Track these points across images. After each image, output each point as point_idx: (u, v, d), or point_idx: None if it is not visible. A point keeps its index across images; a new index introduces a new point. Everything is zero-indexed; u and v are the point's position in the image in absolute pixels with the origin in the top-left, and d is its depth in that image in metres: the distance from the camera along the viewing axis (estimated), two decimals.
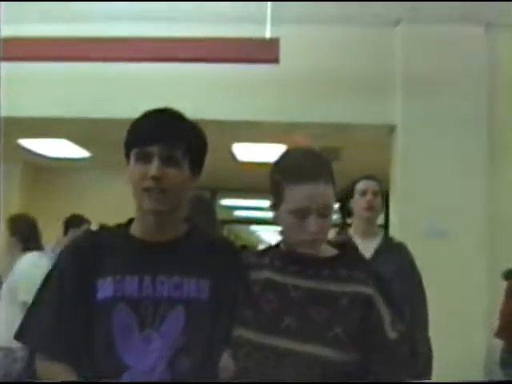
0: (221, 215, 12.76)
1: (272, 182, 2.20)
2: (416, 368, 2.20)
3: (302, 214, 2.10)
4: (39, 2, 6.02)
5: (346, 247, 2.30)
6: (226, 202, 13.26)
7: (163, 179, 2.04)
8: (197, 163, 2.18)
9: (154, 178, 2.02)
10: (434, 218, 5.99)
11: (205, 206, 4.10)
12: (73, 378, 2.02)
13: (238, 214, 14.82)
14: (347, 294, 2.10)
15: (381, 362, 2.08)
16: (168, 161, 2.05)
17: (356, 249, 2.34)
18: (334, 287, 2.12)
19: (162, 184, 2.04)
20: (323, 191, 2.10)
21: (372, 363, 2.07)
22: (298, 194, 2.10)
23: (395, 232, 6.30)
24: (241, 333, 2.10)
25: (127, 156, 2.13)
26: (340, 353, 2.02)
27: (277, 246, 2.32)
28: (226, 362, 2.08)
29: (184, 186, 2.12)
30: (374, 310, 2.10)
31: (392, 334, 2.10)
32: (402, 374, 2.14)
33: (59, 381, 2.04)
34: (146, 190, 2.04)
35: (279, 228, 2.22)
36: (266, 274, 2.19)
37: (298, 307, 2.10)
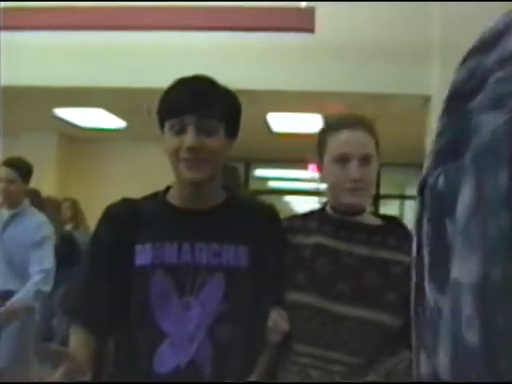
0: (254, 186, 12.79)
1: (318, 140, 2.25)
2: None
3: (343, 160, 2.14)
4: None
5: (392, 219, 2.32)
6: (260, 172, 13.26)
7: (200, 149, 2.00)
8: (232, 128, 2.14)
9: (190, 148, 1.99)
10: None
11: (232, 176, 4.07)
12: (86, 346, 2.01)
13: (272, 184, 14.80)
14: (400, 262, 2.12)
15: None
16: (203, 130, 2.01)
17: (402, 222, 2.35)
18: (386, 255, 2.15)
19: (198, 154, 2.00)
20: (363, 139, 2.16)
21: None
22: (338, 140, 2.17)
23: None
24: (297, 297, 2.11)
25: (161, 126, 2.10)
26: (394, 318, 2.05)
27: (322, 210, 2.32)
28: (277, 322, 2.07)
29: (221, 154, 2.09)
30: None
31: None
32: None
33: (75, 345, 2.03)
34: (184, 160, 2.01)
35: (324, 186, 2.24)
36: (316, 238, 2.20)
37: (351, 273, 2.12)
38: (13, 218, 4.94)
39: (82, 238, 7.52)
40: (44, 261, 4.78)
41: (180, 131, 2.02)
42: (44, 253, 4.84)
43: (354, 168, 2.12)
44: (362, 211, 2.22)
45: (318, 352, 2.05)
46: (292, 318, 2.09)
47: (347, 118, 2.25)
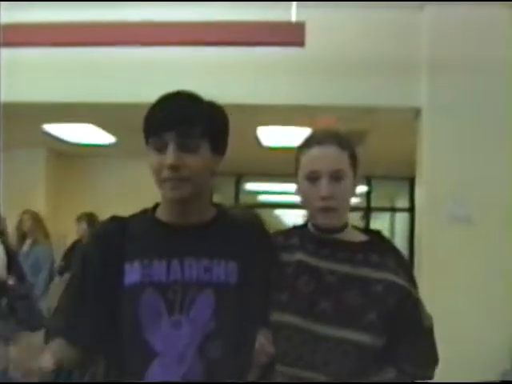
0: (245, 199, 12.79)
1: (295, 157, 2.24)
2: (437, 359, 2.20)
3: (313, 177, 2.13)
4: None
5: (375, 234, 2.30)
6: (250, 186, 13.26)
7: (181, 167, 1.96)
8: (218, 143, 2.09)
9: (170, 166, 1.95)
10: (459, 202, 5.94)
11: None
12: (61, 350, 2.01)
13: (262, 198, 14.80)
14: (381, 280, 2.10)
15: (414, 347, 2.10)
16: (184, 147, 1.97)
17: (385, 237, 2.33)
18: (368, 273, 2.12)
19: (180, 173, 1.97)
20: (335, 155, 2.14)
21: (404, 348, 2.09)
22: (308, 157, 2.16)
23: (421, 217, 6.27)
24: (278, 317, 2.09)
25: (146, 143, 2.07)
26: (375, 337, 2.04)
27: (303, 226, 2.31)
28: (263, 345, 2.06)
29: (206, 170, 2.04)
30: (409, 299, 2.12)
31: (426, 323, 2.12)
32: (431, 360, 2.16)
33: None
34: (165, 179, 1.98)
35: (300, 201, 2.22)
36: (298, 255, 2.18)
37: (333, 291, 2.09)
38: None
39: (42, 251, 7.49)
40: None
41: (161, 149, 1.98)
42: None
43: (323, 185, 2.10)
44: (343, 227, 2.20)
45: (296, 372, 2.04)
46: (274, 338, 2.08)
47: (320, 134, 2.23)
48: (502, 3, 6.02)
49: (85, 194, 10.46)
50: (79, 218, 7.94)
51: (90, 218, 7.77)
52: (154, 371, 1.97)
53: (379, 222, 13.61)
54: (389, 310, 2.06)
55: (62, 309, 2.14)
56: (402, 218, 13.08)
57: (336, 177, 2.11)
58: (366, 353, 2.02)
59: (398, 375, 2.06)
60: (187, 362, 1.96)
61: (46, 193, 10.41)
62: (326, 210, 2.12)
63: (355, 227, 2.30)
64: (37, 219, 7.92)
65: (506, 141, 6.07)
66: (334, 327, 2.04)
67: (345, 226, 2.21)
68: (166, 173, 1.97)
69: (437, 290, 5.55)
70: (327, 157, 2.13)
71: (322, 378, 2.00)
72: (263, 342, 2.05)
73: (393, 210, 14.45)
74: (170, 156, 1.96)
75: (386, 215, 14.50)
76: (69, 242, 8.59)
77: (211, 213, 2.17)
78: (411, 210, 11.34)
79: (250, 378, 2.05)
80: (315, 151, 2.15)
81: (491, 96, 6.08)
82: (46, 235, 7.88)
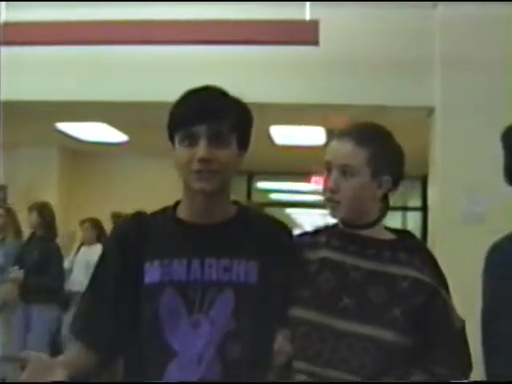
0: (257, 198, 12.79)
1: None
2: (471, 362, 2.17)
3: (328, 168, 2.14)
4: None
5: (405, 233, 2.29)
6: (263, 184, 13.26)
7: (212, 160, 1.97)
8: (244, 139, 2.10)
9: (202, 159, 1.96)
10: (472, 201, 5.92)
11: None
12: (78, 358, 2.02)
13: (274, 196, 14.81)
14: (408, 277, 2.08)
15: (445, 348, 2.07)
16: (215, 140, 1.98)
17: (415, 236, 2.32)
18: (394, 270, 2.10)
19: (210, 166, 1.97)
20: (348, 150, 2.12)
21: (435, 349, 2.06)
22: (328, 148, 2.18)
23: (434, 216, 6.25)
24: (298, 313, 2.07)
25: (171, 139, 2.08)
26: (399, 335, 2.01)
27: (335, 225, 2.29)
28: (282, 345, 2.05)
29: (233, 165, 2.06)
30: (439, 298, 2.10)
31: (457, 323, 2.10)
32: (463, 363, 2.13)
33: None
34: (195, 171, 1.98)
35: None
36: (323, 253, 2.17)
37: (357, 288, 2.08)
38: None
39: (12, 248, 7.43)
40: None
41: (191, 143, 1.99)
42: None
43: (331, 178, 2.11)
44: (370, 224, 2.19)
45: (315, 370, 2.01)
46: (292, 334, 2.06)
47: (346, 128, 2.23)
48: None
49: (97, 192, 10.49)
50: (30, 209, 7.78)
51: (41, 208, 7.60)
52: (173, 371, 1.97)
53: (391, 221, 13.48)
54: (415, 306, 2.03)
55: (82, 310, 2.15)
56: (414, 217, 13.04)
57: (345, 171, 2.10)
58: (388, 350, 1.99)
59: (428, 378, 2.03)
60: (206, 361, 1.95)
61: (58, 191, 10.44)
62: (332, 202, 2.12)
63: (386, 227, 2.30)
64: (10, 216, 7.78)
65: None
66: (356, 323, 2.02)
67: (373, 223, 2.20)
68: (196, 165, 1.97)
69: (451, 289, 5.52)
70: (339, 150, 2.13)
71: (343, 377, 1.98)
72: (281, 341, 2.04)
73: (405, 208, 14.42)
74: (201, 149, 1.96)
75: (398, 214, 14.46)
76: (79, 239, 8.60)
77: (232, 211, 2.16)
78: (423, 209, 11.31)
79: (270, 379, 2.04)
80: (333, 143, 2.16)
81: (505, 94, 6.05)
82: (18, 233, 7.74)
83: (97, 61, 6.29)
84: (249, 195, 12.42)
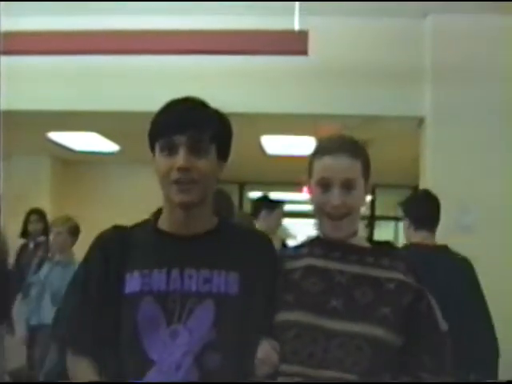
0: (249, 208, 12.77)
1: (308, 163, 2.23)
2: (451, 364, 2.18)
3: (325, 185, 2.12)
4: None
5: (385, 243, 2.30)
6: (254, 194, 13.25)
7: (191, 170, 1.97)
8: (223, 150, 2.11)
9: (181, 169, 1.97)
10: (463, 211, 5.94)
11: (223, 200, 3.93)
12: (91, 372, 2.02)
13: None
14: (393, 280, 2.09)
15: (431, 352, 2.08)
16: (195, 150, 1.99)
17: (395, 245, 2.34)
18: (378, 273, 2.11)
19: (190, 175, 1.98)
20: (347, 164, 2.13)
21: (421, 353, 2.07)
22: (321, 165, 2.16)
23: None
24: (286, 316, 2.06)
25: (152, 148, 2.09)
26: (389, 332, 2.01)
27: (315, 238, 2.30)
28: (268, 354, 2.03)
29: (213, 175, 2.06)
30: (424, 300, 2.11)
31: (443, 326, 2.11)
32: (447, 367, 2.13)
33: (77, 374, 2.06)
34: (175, 182, 1.99)
35: (312, 207, 2.21)
36: (306, 261, 2.17)
37: (343, 290, 2.08)
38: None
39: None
40: None
41: (171, 152, 2.00)
42: None
43: (335, 193, 2.10)
44: (353, 234, 2.19)
45: (308, 371, 1.99)
46: (281, 339, 2.04)
47: (332, 141, 2.22)
48: (506, 10, 6.02)
49: (88, 201, 10.48)
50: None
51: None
52: (151, 380, 1.96)
53: (383, 231, 13.59)
54: (402, 307, 2.04)
55: (68, 318, 2.14)
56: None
57: (347, 186, 2.11)
58: (381, 348, 1.99)
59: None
60: (184, 371, 1.95)
61: (49, 200, 10.42)
62: (336, 219, 2.12)
63: (364, 239, 2.30)
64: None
65: (510, 149, 6.08)
66: (345, 322, 2.01)
67: (355, 234, 2.20)
68: (175, 175, 1.98)
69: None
70: (339, 166, 2.12)
71: (336, 376, 1.97)
72: (269, 351, 2.03)
73: (397, 218, 14.42)
74: (180, 158, 1.97)
75: (391, 224, 14.47)
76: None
77: (213, 222, 2.17)
78: None
79: None
80: (328, 159, 2.14)
81: (495, 104, 6.08)
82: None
83: (88, 71, 6.30)
84: (241, 205, 12.42)
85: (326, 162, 2.14)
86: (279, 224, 5.71)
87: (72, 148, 9.51)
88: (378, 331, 2.01)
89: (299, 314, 2.05)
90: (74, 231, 6.09)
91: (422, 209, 4.25)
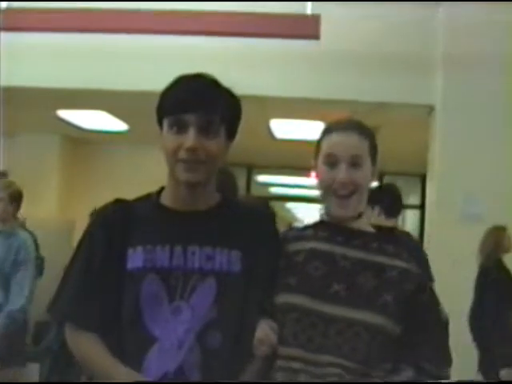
0: (256, 192, 12.77)
1: (315, 146, 2.22)
2: (452, 359, 2.17)
3: (332, 162, 2.12)
4: None
5: (392, 229, 2.30)
6: (262, 178, 13.25)
7: (200, 150, 1.95)
8: (232, 129, 2.10)
9: (190, 149, 1.94)
10: (471, 200, 5.93)
11: (228, 181, 3.91)
12: (101, 347, 2.00)
13: (274, 190, 14.80)
14: (397, 267, 2.09)
15: (432, 341, 2.08)
16: (205, 130, 1.96)
17: (401, 231, 2.34)
18: (382, 260, 2.10)
19: (198, 155, 1.96)
20: (355, 141, 2.13)
21: (421, 342, 2.06)
22: (328, 142, 2.16)
23: (431, 214, 6.26)
24: (286, 299, 2.06)
25: (160, 122, 2.06)
26: (389, 321, 2.01)
27: (320, 221, 2.30)
28: (267, 334, 2.03)
29: (220, 155, 2.04)
30: (427, 290, 2.11)
31: (444, 316, 2.11)
32: (447, 358, 2.14)
33: (86, 350, 2.04)
34: (182, 161, 1.97)
35: (317, 188, 2.20)
36: (310, 243, 2.16)
37: (346, 275, 2.07)
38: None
39: None
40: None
41: (180, 130, 1.97)
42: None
43: (342, 170, 2.09)
44: (358, 215, 2.18)
45: (307, 355, 1.99)
46: (280, 321, 2.04)
47: (341, 121, 2.24)
48: None
49: (97, 180, 10.46)
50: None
51: None
52: (152, 357, 1.96)
53: None
54: (405, 295, 2.03)
55: (69, 293, 2.11)
56: (413, 215, 13.04)
57: (355, 163, 2.10)
58: (380, 336, 1.99)
59: (416, 375, 2.04)
60: (186, 348, 1.95)
61: (58, 178, 10.42)
62: (343, 197, 2.11)
63: (368, 223, 2.28)
64: None
65: None
66: (346, 308, 2.01)
67: (360, 216, 2.19)
68: (183, 154, 1.96)
69: (447, 287, 5.54)
70: (347, 142, 2.12)
71: (336, 361, 1.97)
72: (268, 331, 2.03)
73: (404, 206, 14.41)
74: (190, 139, 1.95)
75: None
76: (78, 227, 8.58)
77: (215, 199, 2.15)
78: (422, 207, 11.31)
79: (250, 369, 2.03)
80: (336, 136, 2.14)
81: (505, 94, 6.07)
82: None
83: (98, 49, 6.30)
84: (248, 189, 12.41)
85: (334, 139, 2.14)
86: None
87: (81, 126, 9.50)
88: (379, 319, 2.00)
89: (300, 297, 2.05)
90: (17, 197, 5.39)
91: (394, 199, 4.39)
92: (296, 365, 2.00)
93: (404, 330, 2.04)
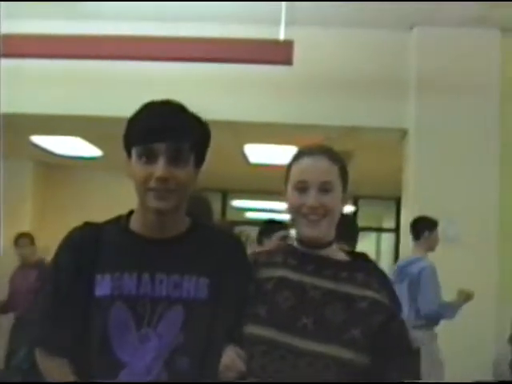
0: (232, 216, 12.78)
1: (286, 172, 2.22)
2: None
3: (302, 188, 2.12)
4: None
5: (360, 255, 2.29)
6: (238, 203, 13.26)
7: (170, 180, 1.95)
8: (201, 156, 2.09)
9: (160, 179, 1.94)
10: (446, 222, 5.96)
11: (202, 206, 3.92)
12: (69, 372, 2.00)
13: (249, 215, 14.80)
14: (367, 298, 2.08)
15: (403, 368, 2.08)
16: (174, 159, 1.95)
17: (370, 259, 2.33)
18: (352, 290, 2.10)
19: (168, 184, 1.95)
20: (325, 167, 2.14)
21: (392, 370, 2.06)
22: (299, 167, 2.16)
23: (406, 238, 6.28)
24: (255, 330, 2.06)
25: (127, 150, 2.04)
26: (357, 354, 2.00)
27: (288, 245, 2.30)
28: (234, 360, 2.03)
29: (190, 183, 2.03)
30: (397, 319, 2.10)
31: (414, 345, 2.11)
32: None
33: (56, 375, 2.03)
34: (152, 189, 1.96)
35: (288, 213, 2.19)
36: (280, 271, 2.16)
37: (315, 307, 2.06)
38: None
39: None
40: None
41: (149, 160, 1.96)
42: None
43: (311, 195, 2.09)
44: (327, 244, 2.18)
45: None
46: (249, 352, 2.04)
47: (311, 147, 2.23)
48: (491, 23, 6.07)
49: (71, 206, 10.42)
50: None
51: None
52: (121, 382, 1.96)
53: (365, 242, 13.61)
54: (373, 327, 2.03)
55: (39, 319, 2.12)
56: (388, 238, 13.10)
57: (325, 188, 2.10)
58: (348, 369, 1.99)
59: None
60: (154, 375, 1.96)
61: (32, 204, 10.38)
62: (313, 220, 2.11)
63: (340, 249, 2.27)
64: None
65: (492, 162, 6.12)
66: (315, 342, 2.01)
67: (330, 243, 2.19)
68: (153, 183, 1.95)
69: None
70: (317, 168, 2.13)
71: None
72: (234, 358, 2.03)
73: (379, 230, 14.47)
74: (160, 168, 1.94)
75: (373, 235, 14.52)
76: (51, 253, 8.53)
77: (185, 225, 2.14)
78: (397, 230, 11.37)
79: None
80: (305, 162, 2.15)
81: (478, 118, 6.13)
82: None
83: (71, 75, 6.29)
84: (223, 213, 12.42)
85: (304, 164, 2.15)
86: (437, 243, 5.80)
87: (55, 152, 9.47)
88: (347, 353, 2.00)
89: (269, 330, 2.05)
90: None
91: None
92: None
93: (374, 358, 2.04)
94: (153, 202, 1.98)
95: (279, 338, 2.03)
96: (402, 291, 5.57)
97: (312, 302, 2.08)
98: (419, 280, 5.63)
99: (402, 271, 5.84)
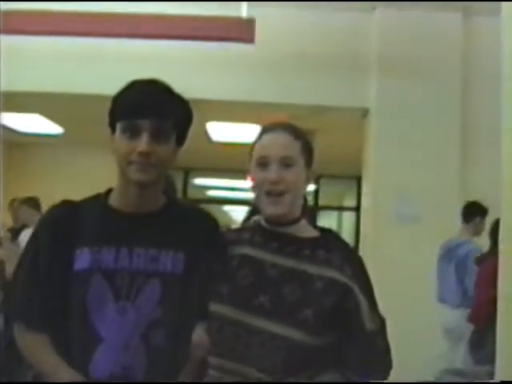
0: (193, 194, 12.76)
1: (249, 151, 2.23)
2: (389, 364, 2.17)
3: (264, 164, 2.13)
4: None
5: (327, 231, 2.28)
6: (199, 181, 13.24)
7: (152, 155, 2.01)
8: (183, 135, 2.16)
9: (142, 153, 2.00)
10: (405, 202, 6.02)
11: (166, 183, 3.90)
12: (48, 346, 2.04)
13: (211, 193, 14.81)
14: (323, 277, 2.07)
15: (356, 351, 2.09)
16: (157, 136, 2.03)
17: (337, 234, 2.32)
18: (311, 269, 2.10)
19: (149, 159, 2.01)
20: (286, 142, 2.15)
21: (347, 351, 2.08)
22: (260, 144, 2.18)
23: (367, 216, 6.33)
24: (215, 307, 2.08)
25: (112, 126, 2.10)
26: (309, 335, 2.01)
27: (258, 223, 2.30)
28: (200, 338, 2.06)
29: (170, 159, 2.10)
30: (351, 298, 2.08)
31: (370, 325, 2.09)
32: (376, 367, 2.14)
33: (36, 352, 2.07)
34: (134, 162, 2.02)
35: (253, 190, 2.20)
36: (245, 249, 2.18)
37: (272, 285, 2.08)
38: None
39: None
40: None
41: (132, 135, 2.02)
42: None
43: (272, 170, 2.10)
44: (293, 221, 2.18)
45: (228, 365, 2.02)
46: (207, 329, 2.07)
47: (274, 123, 2.24)
48: (451, 8, 6.11)
49: (32, 183, 10.34)
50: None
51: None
52: (98, 357, 2.00)
53: (326, 221, 13.69)
54: (326, 308, 2.04)
55: (17, 294, 2.15)
56: (349, 217, 13.18)
57: (286, 163, 2.11)
58: (299, 351, 2.00)
59: (342, 377, 2.05)
60: (131, 348, 2.00)
61: None
62: (274, 196, 2.11)
63: (309, 224, 2.28)
64: None
65: (452, 141, 6.18)
66: (270, 321, 2.02)
67: (297, 220, 2.20)
68: (135, 157, 2.02)
69: (382, 288, 5.60)
70: (277, 143, 2.14)
71: (254, 374, 1.98)
72: (201, 334, 2.05)
73: (340, 208, 14.56)
74: (143, 143, 2.00)
75: (334, 214, 14.60)
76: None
77: (161, 201, 2.20)
78: (358, 209, 11.44)
79: (186, 371, 2.06)
80: (266, 138, 2.17)
81: (438, 97, 6.18)
82: None
83: (33, 51, 6.23)
84: (185, 192, 12.39)
85: (265, 140, 2.17)
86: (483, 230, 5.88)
87: (15, 129, 9.38)
88: (297, 334, 2.00)
89: (225, 307, 2.07)
90: None
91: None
92: (216, 374, 2.03)
93: (330, 339, 2.05)
94: (134, 175, 2.03)
95: (234, 315, 2.05)
96: (449, 271, 5.87)
97: (270, 280, 2.09)
98: (466, 262, 5.80)
99: (449, 252, 5.98)
